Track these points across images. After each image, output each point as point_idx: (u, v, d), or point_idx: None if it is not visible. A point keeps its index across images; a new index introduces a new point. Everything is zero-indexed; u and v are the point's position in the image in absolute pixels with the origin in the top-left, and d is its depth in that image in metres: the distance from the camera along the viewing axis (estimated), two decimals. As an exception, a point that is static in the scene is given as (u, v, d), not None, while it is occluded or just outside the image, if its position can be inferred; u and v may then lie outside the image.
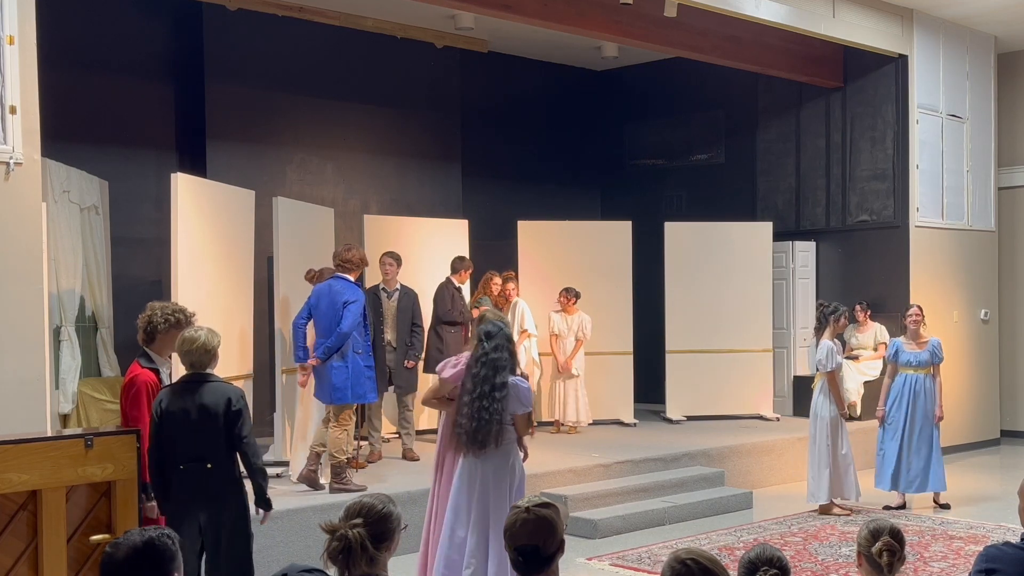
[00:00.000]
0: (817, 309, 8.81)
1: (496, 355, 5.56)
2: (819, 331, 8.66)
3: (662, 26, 9.77)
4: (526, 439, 5.82)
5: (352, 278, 7.83)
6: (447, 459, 5.80)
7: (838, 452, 8.54)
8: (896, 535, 3.54)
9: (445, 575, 5.57)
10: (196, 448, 4.93)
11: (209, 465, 4.93)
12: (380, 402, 9.09)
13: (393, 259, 9.30)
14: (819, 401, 8.58)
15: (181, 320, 5.29)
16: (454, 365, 5.72)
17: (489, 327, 5.65)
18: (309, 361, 7.73)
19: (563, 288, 10.74)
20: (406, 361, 9.27)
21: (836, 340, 8.62)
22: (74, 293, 8.38)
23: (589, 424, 10.89)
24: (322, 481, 7.74)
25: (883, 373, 11.33)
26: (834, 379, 8.55)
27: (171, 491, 4.99)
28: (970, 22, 11.75)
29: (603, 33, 9.98)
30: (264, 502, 5.10)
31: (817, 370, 8.61)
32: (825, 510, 8.62)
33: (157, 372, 5.26)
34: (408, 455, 9.12)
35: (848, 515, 8.56)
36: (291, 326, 8.11)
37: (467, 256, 10.30)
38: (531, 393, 5.63)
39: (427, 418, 10.65)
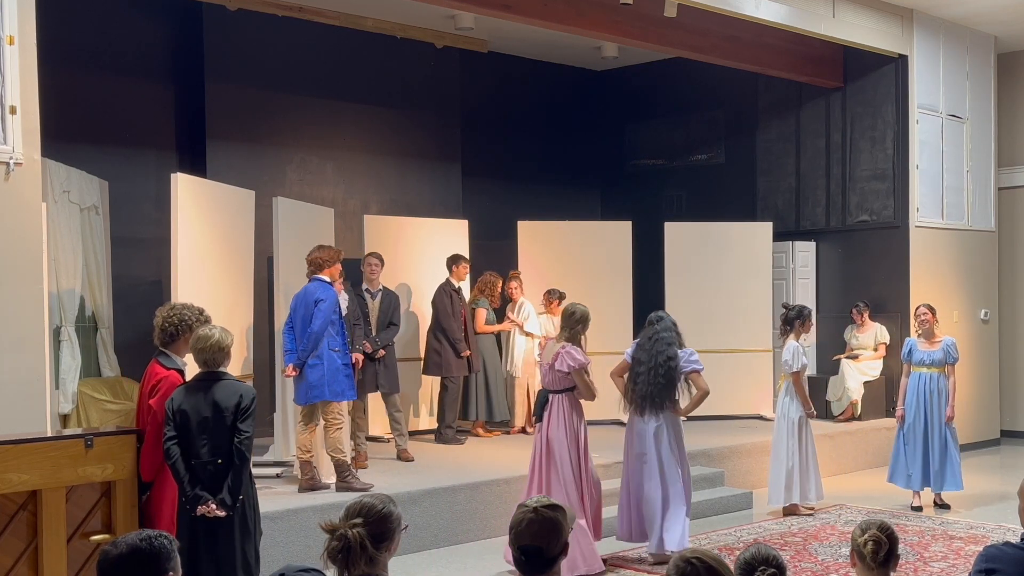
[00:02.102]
0: (782, 312, 8.77)
1: (666, 334, 7.13)
2: (784, 333, 8.61)
3: (662, 26, 9.76)
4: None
5: (327, 277, 7.77)
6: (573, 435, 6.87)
7: (803, 453, 8.49)
8: (885, 530, 3.54)
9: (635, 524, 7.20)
10: (207, 444, 4.97)
11: (220, 461, 4.97)
12: (364, 402, 9.07)
13: (377, 259, 9.33)
14: (785, 402, 8.54)
15: (208, 320, 5.32)
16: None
17: (654, 316, 7.30)
18: (286, 372, 7.75)
19: (547, 290, 10.76)
20: (364, 342, 8.97)
21: (803, 341, 8.62)
22: (74, 293, 8.38)
23: None
24: (324, 480, 7.74)
25: (883, 373, 11.40)
26: (799, 380, 8.48)
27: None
28: (970, 22, 11.75)
29: (603, 33, 9.97)
30: (230, 499, 4.95)
31: (784, 371, 8.59)
32: (789, 512, 8.60)
33: (183, 374, 5.26)
34: (403, 456, 9.07)
35: (810, 514, 8.54)
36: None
37: (461, 254, 10.30)
38: (697, 359, 7.24)
39: (425, 419, 10.65)
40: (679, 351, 7.17)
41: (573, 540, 6.35)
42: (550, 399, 6.90)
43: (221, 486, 4.94)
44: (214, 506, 4.91)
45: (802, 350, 8.50)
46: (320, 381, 7.59)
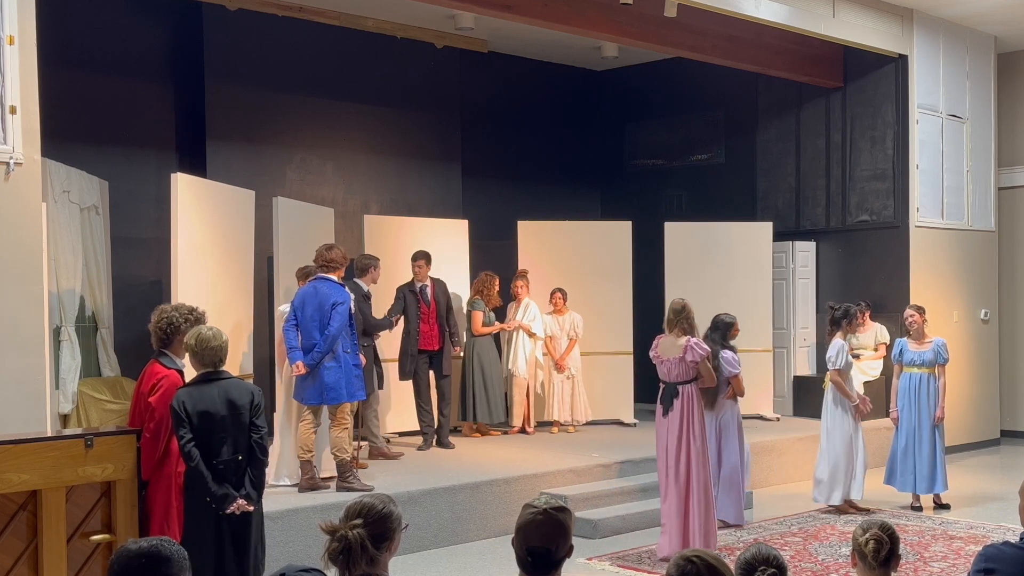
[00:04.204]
0: (828, 311, 8.84)
1: (710, 341, 8.02)
2: (831, 332, 8.70)
3: (662, 26, 9.77)
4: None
5: (336, 278, 7.77)
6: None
7: (857, 451, 8.55)
8: (886, 529, 3.55)
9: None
10: (226, 443, 5.05)
11: (240, 457, 5.07)
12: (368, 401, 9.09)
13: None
14: (838, 400, 8.59)
15: (200, 318, 5.36)
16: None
17: (716, 320, 8.41)
18: (295, 370, 7.64)
19: (555, 289, 10.76)
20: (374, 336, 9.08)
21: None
22: (74, 293, 8.38)
23: (585, 423, 10.90)
24: (323, 478, 7.73)
25: (883, 373, 11.39)
26: (838, 377, 8.53)
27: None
28: (970, 22, 11.75)
29: (603, 33, 9.97)
30: (256, 493, 5.13)
31: (828, 368, 8.65)
32: (842, 510, 8.62)
33: (182, 374, 5.30)
34: (378, 453, 9.08)
35: (856, 513, 8.53)
36: (282, 331, 8.05)
37: (422, 250, 9.96)
38: (734, 361, 8.28)
39: (410, 420, 10.55)
40: (722, 353, 8.17)
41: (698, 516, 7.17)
42: (680, 391, 7.33)
43: (241, 483, 5.05)
44: (242, 502, 5.03)
45: (847, 349, 8.62)
46: (337, 383, 7.59)
